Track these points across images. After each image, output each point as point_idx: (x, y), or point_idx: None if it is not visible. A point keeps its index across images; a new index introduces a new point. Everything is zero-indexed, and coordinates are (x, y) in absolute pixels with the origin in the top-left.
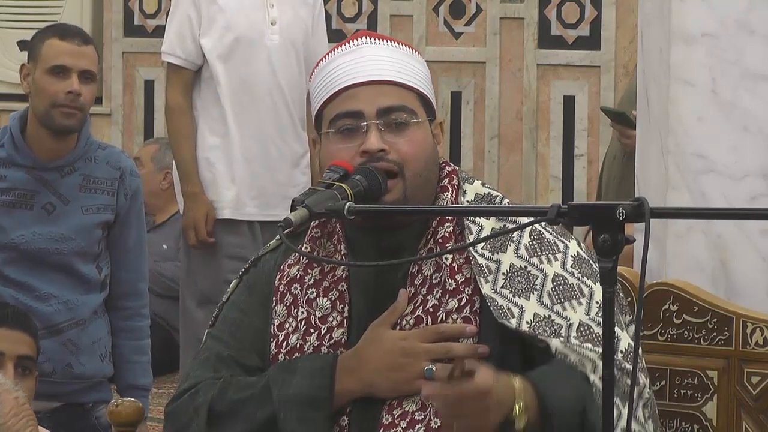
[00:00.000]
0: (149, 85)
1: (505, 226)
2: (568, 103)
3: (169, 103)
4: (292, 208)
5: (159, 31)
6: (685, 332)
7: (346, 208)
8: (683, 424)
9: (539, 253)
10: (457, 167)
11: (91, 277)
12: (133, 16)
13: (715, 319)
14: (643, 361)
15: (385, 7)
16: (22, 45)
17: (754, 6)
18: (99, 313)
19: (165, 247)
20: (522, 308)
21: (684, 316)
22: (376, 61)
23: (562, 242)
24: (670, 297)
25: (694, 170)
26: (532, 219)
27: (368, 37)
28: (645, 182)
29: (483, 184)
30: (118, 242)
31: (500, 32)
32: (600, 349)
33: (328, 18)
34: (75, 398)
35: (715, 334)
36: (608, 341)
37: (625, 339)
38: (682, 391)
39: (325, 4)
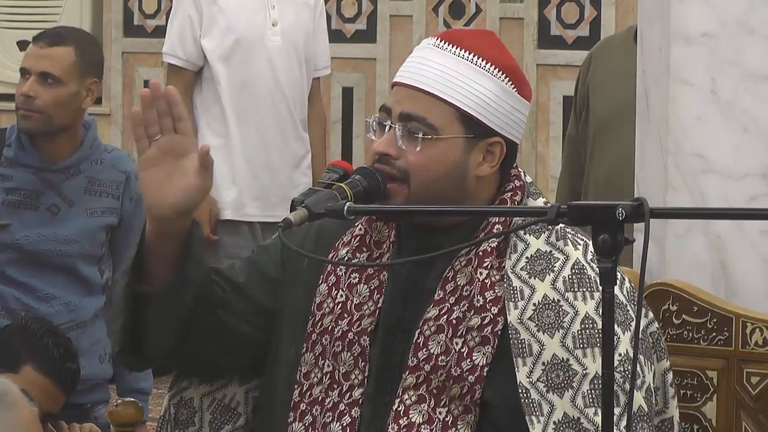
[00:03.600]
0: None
1: (551, 252)
2: (568, 103)
3: None
4: (292, 209)
5: (158, 32)
6: (685, 332)
7: (345, 208)
8: (683, 424)
9: (576, 289)
10: (526, 178)
11: (93, 279)
12: (132, 16)
13: (715, 319)
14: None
15: (384, 7)
16: (22, 45)
17: (754, 6)
18: (99, 315)
19: None
20: (542, 346)
21: (684, 316)
22: (427, 67)
23: None
24: (670, 297)
25: (693, 170)
26: (531, 219)
27: (440, 41)
28: (644, 182)
29: (546, 203)
30: (121, 246)
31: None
32: (599, 420)
33: (327, 18)
34: (74, 399)
35: (714, 334)
36: (608, 341)
37: (637, 401)
38: (681, 391)
39: (324, 5)
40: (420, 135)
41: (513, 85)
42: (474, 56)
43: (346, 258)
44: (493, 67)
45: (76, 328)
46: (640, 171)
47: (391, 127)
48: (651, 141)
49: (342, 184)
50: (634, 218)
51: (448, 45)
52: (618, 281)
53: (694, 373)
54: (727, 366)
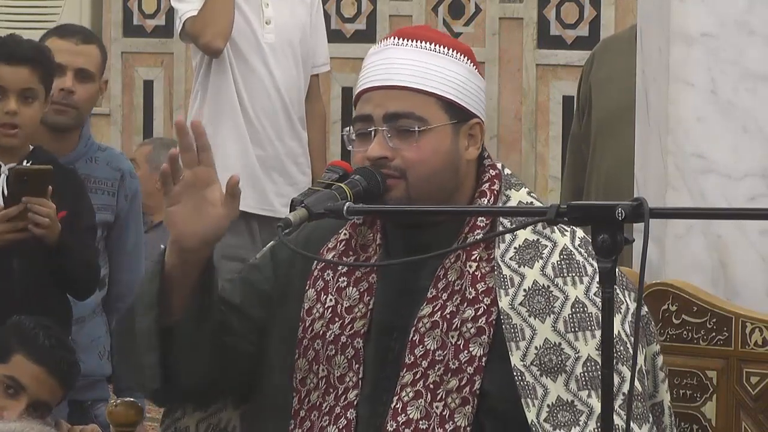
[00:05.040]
0: (148, 86)
1: (538, 240)
2: (568, 103)
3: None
4: (292, 209)
5: (158, 31)
6: (685, 332)
7: (345, 208)
8: (682, 424)
9: (565, 274)
10: (504, 170)
11: None
12: (132, 16)
13: (715, 319)
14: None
15: (384, 7)
16: None
17: (753, 6)
18: (97, 312)
19: (163, 246)
20: (535, 330)
21: (683, 316)
22: (396, 65)
23: (592, 266)
24: (670, 297)
25: (693, 170)
26: (530, 219)
27: (398, 38)
28: (644, 182)
29: (529, 193)
30: (117, 244)
31: (499, 32)
32: (592, 401)
33: (327, 18)
34: (73, 396)
35: (714, 334)
36: (607, 341)
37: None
38: (681, 391)
39: (324, 5)
40: (416, 129)
41: (474, 66)
42: (434, 45)
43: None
44: (454, 51)
45: (74, 324)
46: (640, 171)
47: (376, 132)
48: (651, 141)
49: (341, 184)
50: (634, 218)
51: (407, 40)
52: None
53: (693, 373)
54: (726, 366)
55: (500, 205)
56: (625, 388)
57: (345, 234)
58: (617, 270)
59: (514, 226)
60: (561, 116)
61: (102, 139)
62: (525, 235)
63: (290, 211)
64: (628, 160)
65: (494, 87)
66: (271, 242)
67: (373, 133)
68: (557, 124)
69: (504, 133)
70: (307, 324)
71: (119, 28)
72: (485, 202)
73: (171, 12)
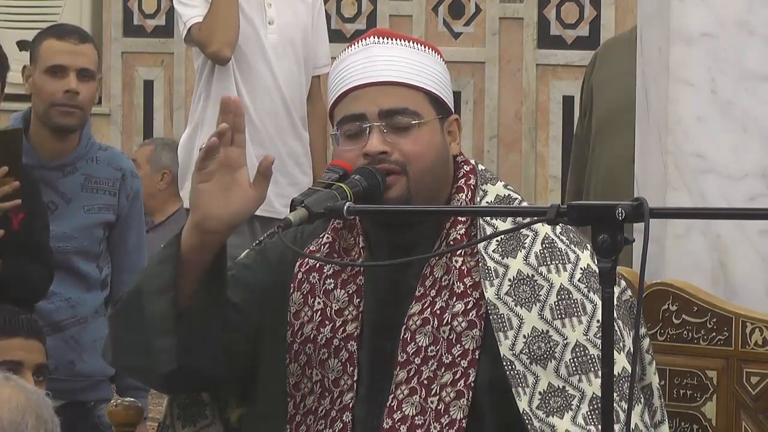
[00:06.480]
0: (148, 85)
1: (519, 231)
2: (568, 103)
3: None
4: (292, 208)
5: (158, 31)
6: (685, 332)
7: (345, 208)
8: (682, 424)
9: (548, 263)
10: (478, 166)
11: (92, 276)
12: (132, 16)
13: (715, 319)
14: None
15: (384, 7)
16: (22, 45)
17: (753, 6)
18: (100, 312)
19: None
20: (522, 319)
21: (683, 316)
22: (382, 61)
23: (574, 252)
24: (670, 297)
25: (693, 170)
26: (531, 219)
27: (377, 37)
28: (644, 182)
29: (505, 186)
30: (118, 244)
31: (499, 32)
32: (583, 385)
33: (327, 18)
34: (77, 396)
35: (714, 334)
36: (607, 340)
37: (620, 363)
38: (681, 391)
39: (324, 4)
40: (416, 122)
41: (444, 62)
42: (412, 42)
43: (317, 265)
44: (429, 48)
45: (77, 324)
46: (640, 171)
47: (371, 128)
48: (651, 141)
49: (342, 184)
50: (634, 218)
51: (386, 38)
52: (589, 252)
53: (693, 373)
54: (726, 366)
55: (478, 199)
56: (615, 370)
57: (328, 237)
58: (594, 269)
59: (513, 226)
60: (561, 116)
61: (102, 139)
62: (506, 226)
63: (290, 212)
64: (627, 158)
65: (494, 87)
66: (258, 241)
67: (368, 129)
68: (557, 124)
69: (504, 133)
70: (296, 328)
71: (119, 28)
72: (462, 197)
73: (171, 12)
